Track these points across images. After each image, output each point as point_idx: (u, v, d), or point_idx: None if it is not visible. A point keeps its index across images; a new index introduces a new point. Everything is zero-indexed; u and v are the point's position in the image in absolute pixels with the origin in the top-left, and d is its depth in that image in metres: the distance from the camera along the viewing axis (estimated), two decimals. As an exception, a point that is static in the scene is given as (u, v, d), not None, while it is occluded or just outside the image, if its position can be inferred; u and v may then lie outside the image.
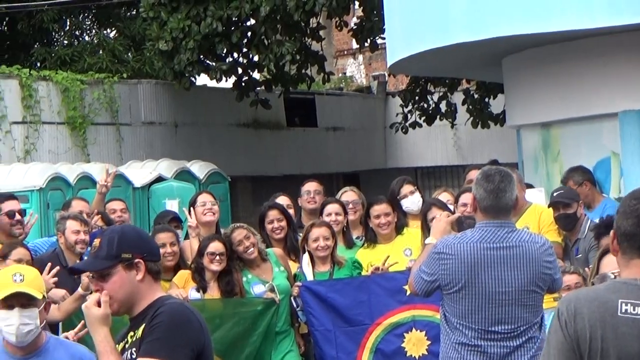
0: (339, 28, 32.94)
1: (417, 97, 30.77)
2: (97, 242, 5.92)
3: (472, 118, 29.64)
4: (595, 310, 5.04)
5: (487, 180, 8.47)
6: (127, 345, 5.79)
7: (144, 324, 5.73)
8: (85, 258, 6.70)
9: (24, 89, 26.71)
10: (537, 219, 12.12)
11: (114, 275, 5.75)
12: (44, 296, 7.03)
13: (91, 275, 5.96)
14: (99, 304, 5.65)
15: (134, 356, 5.70)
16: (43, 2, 31.03)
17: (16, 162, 23.51)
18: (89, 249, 11.11)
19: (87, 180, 20.32)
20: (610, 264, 5.86)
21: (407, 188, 13.60)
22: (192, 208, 13.33)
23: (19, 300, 6.56)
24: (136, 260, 5.87)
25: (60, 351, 7.09)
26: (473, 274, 8.28)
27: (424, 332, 11.71)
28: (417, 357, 11.84)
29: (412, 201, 13.28)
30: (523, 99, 18.34)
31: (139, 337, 5.70)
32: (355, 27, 30.80)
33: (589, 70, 15.75)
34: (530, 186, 13.79)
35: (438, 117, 30.88)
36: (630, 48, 15.03)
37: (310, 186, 14.17)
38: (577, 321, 5.03)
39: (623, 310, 5.01)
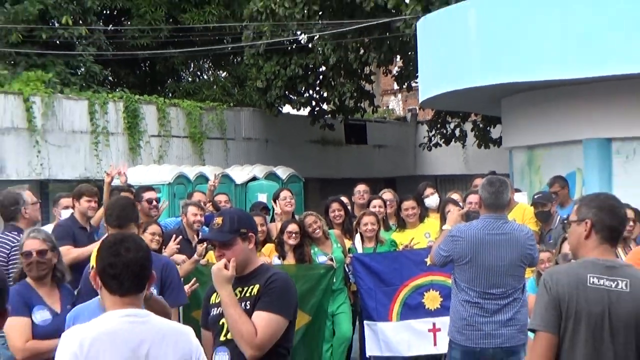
0: (385, 74, 33.23)
1: (438, 125, 30.78)
2: (219, 220, 5.91)
3: (477, 141, 29.61)
4: (572, 280, 5.14)
5: (491, 185, 8.76)
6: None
7: (257, 285, 5.80)
8: (207, 232, 6.59)
9: (160, 112, 26.89)
10: (522, 214, 12.32)
11: (235, 245, 5.79)
12: None
13: (207, 245, 5.86)
14: (226, 267, 5.66)
15: (247, 307, 5.71)
16: (175, 51, 31.19)
17: (153, 164, 23.65)
18: (204, 227, 11.42)
19: (202, 178, 20.42)
20: (567, 247, 5.98)
21: (429, 190, 13.79)
22: (276, 200, 13.62)
23: None
24: (250, 234, 5.92)
25: None
26: (477, 251, 8.48)
27: (438, 292, 11.78)
28: (432, 310, 11.93)
29: (432, 200, 13.46)
30: (515, 128, 18.33)
31: (255, 294, 5.77)
32: (397, 73, 30.83)
33: (563, 109, 15.74)
34: (517, 191, 13.87)
35: (453, 139, 30.89)
36: (593, 94, 15.01)
37: (361, 187, 14.32)
38: (558, 288, 5.09)
39: (591, 282, 5.10)
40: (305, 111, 31.65)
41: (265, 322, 5.64)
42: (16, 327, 5.99)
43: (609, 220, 5.27)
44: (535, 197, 13.24)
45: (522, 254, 8.56)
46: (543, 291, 5.21)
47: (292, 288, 6.02)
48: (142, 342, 4.48)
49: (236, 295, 5.81)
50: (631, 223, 8.96)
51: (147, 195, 11.74)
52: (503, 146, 20.93)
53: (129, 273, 4.54)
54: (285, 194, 13.71)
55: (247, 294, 5.83)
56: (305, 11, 25.17)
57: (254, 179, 22.51)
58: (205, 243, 9.93)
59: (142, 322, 4.55)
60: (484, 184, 8.94)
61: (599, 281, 5.11)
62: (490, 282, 8.41)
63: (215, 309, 5.93)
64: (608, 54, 14.02)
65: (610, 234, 5.26)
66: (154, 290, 6.67)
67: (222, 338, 5.82)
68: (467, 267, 8.51)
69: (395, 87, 37.19)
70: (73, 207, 11.23)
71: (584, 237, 5.29)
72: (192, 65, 36.15)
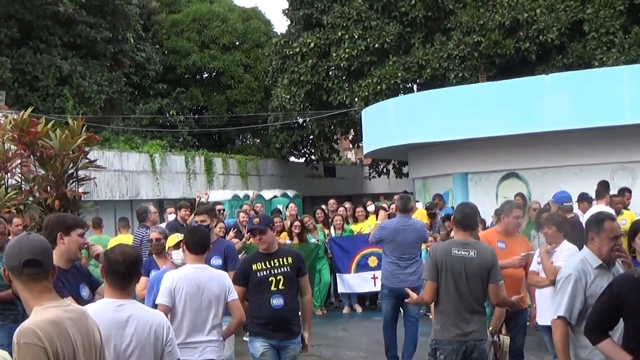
0: (345, 139, 33.22)
1: (374, 166, 30.60)
2: (257, 219, 5.78)
3: (395, 174, 29.50)
4: (443, 251, 5.22)
5: (402, 199, 8.73)
6: (271, 265, 5.58)
7: (289, 257, 5.65)
8: (251, 225, 6.62)
9: (223, 162, 26.82)
10: (420, 214, 12.18)
11: (268, 233, 5.63)
12: None
13: (249, 233, 5.89)
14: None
15: (288, 270, 5.58)
16: (232, 128, 31.08)
17: (220, 190, 23.56)
18: (249, 223, 11.32)
19: (246, 197, 20.22)
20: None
21: (369, 202, 13.80)
22: (287, 208, 13.49)
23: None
24: (273, 226, 6.10)
25: None
26: (395, 234, 8.38)
27: (376, 257, 11.68)
28: (373, 267, 11.88)
29: (371, 207, 13.32)
30: (415, 167, 18.30)
31: (290, 263, 5.61)
32: (351, 139, 30.75)
33: (441, 157, 15.71)
34: (417, 202, 13.80)
35: (383, 173, 30.75)
36: (457, 148, 14.98)
37: (332, 201, 14.16)
38: (436, 255, 5.25)
39: (453, 252, 5.18)
40: (302, 160, 31.54)
41: (307, 281, 5.81)
42: (140, 281, 6.00)
43: (461, 218, 5.40)
44: (427, 205, 13.32)
45: (419, 236, 8.45)
46: (428, 257, 5.34)
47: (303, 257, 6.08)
48: (201, 280, 5.04)
49: (275, 263, 5.58)
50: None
51: (217, 207, 11.71)
52: (409, 177, 20.89)
53: (198, 245, 5.20)
54: (292, 205, 13.68)
55: (284, 262, 5.58)
56: (302, 106, 25.18)
57: (275, 196, 22.41)
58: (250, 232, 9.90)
59: (202, 270, 5.14)
60: (398, 198, 8.96)
61: (458, 251, 5.18)
62: (402, 251, 8.29)
63: (259, 273, 5.56)
64: (465, 127, 14.06)
65: (463, 225, 5.35)
66: None
67: (273, 288, 5.52)
68: (390, 243, 8.41)
69: (351, 146, 37.10)
70: (175, 214, 11.18)
71: (452, 227, 5.42)
72: (240, 136, 36.04)
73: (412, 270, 8.26)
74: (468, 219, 5.44)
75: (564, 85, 13.14)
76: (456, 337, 5.14)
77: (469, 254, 5.18)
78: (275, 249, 5.70)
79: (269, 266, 5.60)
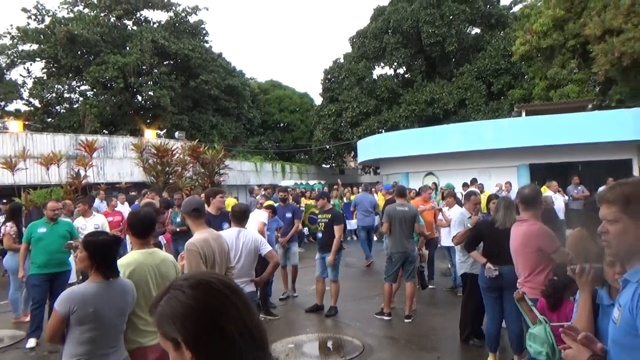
0: (349, 155, 31.81)
1: (364, 168, 29.64)
2: (322, 202, 4.74)
3: (373, 172, 28.35)
4: (392, 208, 4.99)
5: (397, 189, 7.08)
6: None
7: (329, 214, 4.71)
8: (318, 194, 5.19)
9: (290, 166, 26.13)
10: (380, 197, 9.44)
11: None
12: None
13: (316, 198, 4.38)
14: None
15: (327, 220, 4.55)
16: (298, 150, 30.61)
17: (288, 180, 22.61)
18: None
19: (300, 184, 19.48)
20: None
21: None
22: (335, 185, 10.98)
23: None
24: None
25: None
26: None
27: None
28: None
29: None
30: (384, 169, 16.70)
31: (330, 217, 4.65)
32: (353, 155, 29.09)
33: (394, 163, 14.67)
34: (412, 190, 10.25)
35: (368, 172, 29.78)
36: (406, 160, 14.05)
37: (340, 182, 12.04)
38: (389, 210, 4.95)
39: (397, 209, 4.93)
40: (328, 166, 30.28)
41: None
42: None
43: (396, 191, 5.15)
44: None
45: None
46: (386, 212, 4.96)
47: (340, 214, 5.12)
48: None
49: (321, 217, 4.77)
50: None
51: (260, 190, 9.37)
52: (381, 174, 18.91)
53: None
54: (339, 181, 11.31)
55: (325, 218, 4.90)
56: (329, 140, 24.83)
57: (315, 183, 21.33)
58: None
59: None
60: (397, 187, 6.59)
61: (400, 207, 5.03)
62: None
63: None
64: (408, 147, 13.54)
65: (398, 194, 5.01)
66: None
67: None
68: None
69: (352, 159, 36.08)
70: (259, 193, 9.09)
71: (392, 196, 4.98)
72: (298, 154, 34.70)
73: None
74: (400, 190, 5.30)
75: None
76: (400, 250, 5.10)
77: (405, 208, 5.11)
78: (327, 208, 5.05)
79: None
